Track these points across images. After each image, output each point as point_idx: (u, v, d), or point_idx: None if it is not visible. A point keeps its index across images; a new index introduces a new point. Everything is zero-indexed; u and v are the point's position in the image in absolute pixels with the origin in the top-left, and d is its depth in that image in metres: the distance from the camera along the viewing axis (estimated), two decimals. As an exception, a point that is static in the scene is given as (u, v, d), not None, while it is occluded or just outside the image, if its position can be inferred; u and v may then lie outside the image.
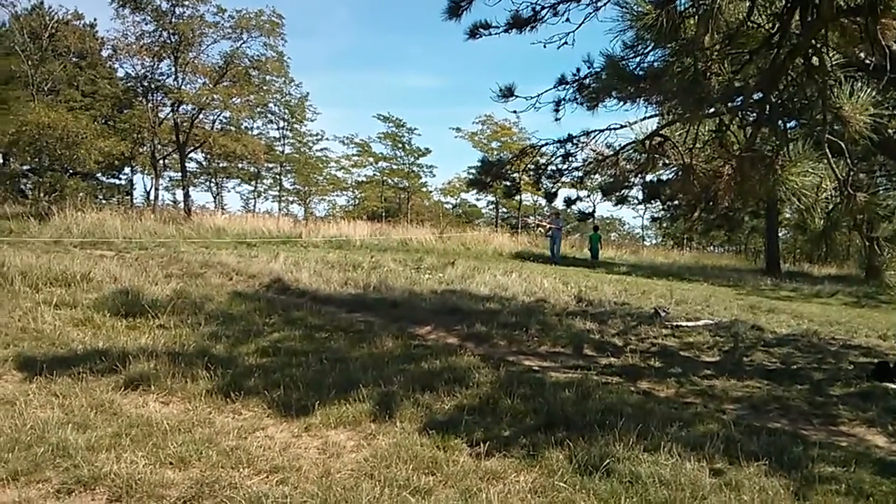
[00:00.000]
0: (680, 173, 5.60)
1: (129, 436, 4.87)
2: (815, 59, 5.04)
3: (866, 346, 10.39)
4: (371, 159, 45.88)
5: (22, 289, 9.94)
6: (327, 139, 49.60)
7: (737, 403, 6.86)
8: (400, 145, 45.21)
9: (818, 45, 4.97)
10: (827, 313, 14.51)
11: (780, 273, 26.49)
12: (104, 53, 34.44)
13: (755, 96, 5.67)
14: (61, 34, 30.07)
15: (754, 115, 5.76)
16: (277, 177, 44.66)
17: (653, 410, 6.03)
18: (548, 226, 29.65)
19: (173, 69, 29.58)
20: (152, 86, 30.31)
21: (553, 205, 10.88)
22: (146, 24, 28.90)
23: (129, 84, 32.65)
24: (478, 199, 49.34)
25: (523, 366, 7.87)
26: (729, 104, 5.78)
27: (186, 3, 28.82)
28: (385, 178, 46.42)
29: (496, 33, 8.47)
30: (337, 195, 48.84)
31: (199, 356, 6.93)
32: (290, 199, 46.85)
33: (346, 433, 5.27)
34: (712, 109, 5.66)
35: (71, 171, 29.02)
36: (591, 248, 29.04)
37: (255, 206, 44.87)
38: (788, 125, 6.61)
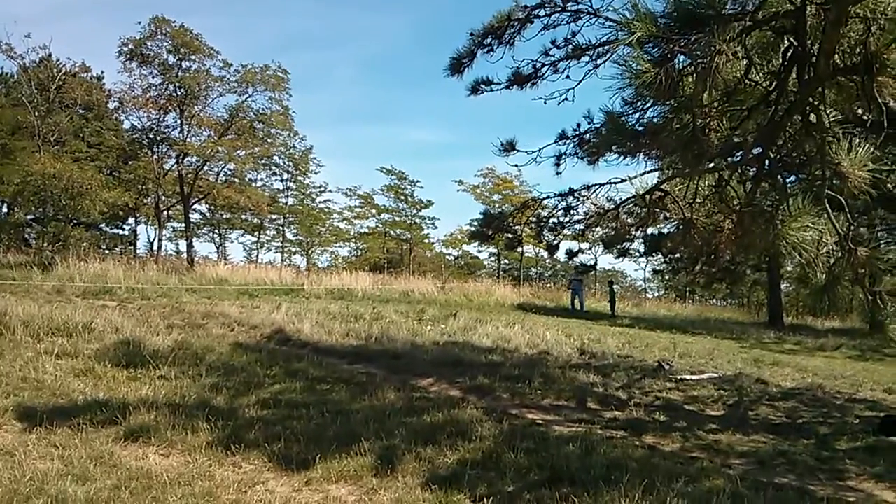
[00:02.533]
0: (680, 228, 5.65)
1: (129, 488, 4.82)
2: (812, 116, 5.12)
3: (872, 400, 10.29)
4: (373, 211, 46.12)
5: (24, 338, 9.94)
6: (330, 191, 49.62)
7: (743, 458, 6.78)
8: (402, 197, 45.49)
9: (815, 103, 5.05)
10: (831, 367, 14.41)
11: (783, 326, 26.40)
12: (111, 105, 34.89)
13: (754, 152, 5.74)
14: (68, 86, 30.45)
15: (754, 170, 5.83)
16: (280, 228, 44.79)
17: (658, 465, 5.97)
18: (569, 280, 30.93)
19: (179, 122, 30.08)
20: (158, 138, 30.75)
21: (576, 260, 10.82)
22: (153, 77, 29.55)
23: (134, 136, 33.07)
24: (480, 251, 49.46)
25: (526, 419, 7.81)
26: (728, 159, 5.85)
27: (193, 57, 29.44)
28: (387, 229, 46.58)
29: (497, 89, 8.64)
30: (339, 246, 48.92)
31: (200, 408, 6.90)
32: (293, 249, 46.91)
33: (347, 488, 5.22)
34: (712, 164, 5.73)
35: (75, 222, 29.19)
36: (609, 301, 29.54)
37: (257, 256, 44.96)
38: (788, 180, 6.68)
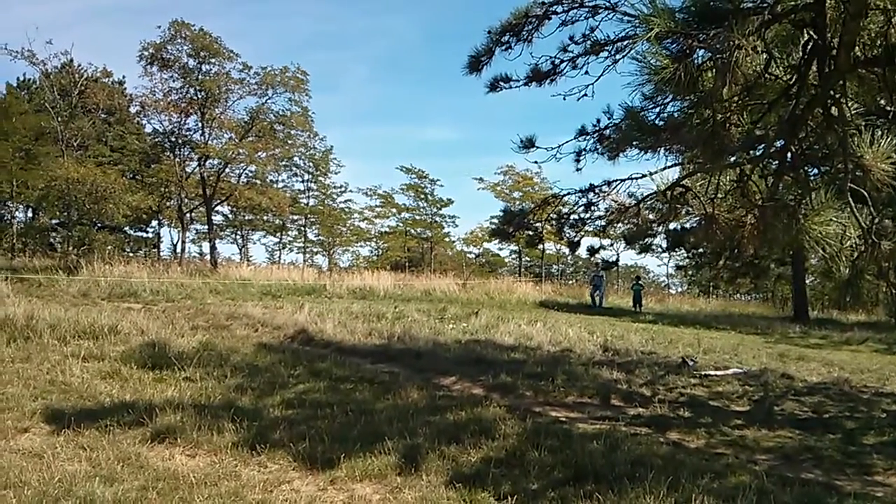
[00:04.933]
0: (702, 223, 5.61)
1: (156, 489, 4.88)
2: (834, 109, 5.07)
3: (899, 394, 10.18)
4: (394, 210, 46.20)
5: (50, 342, 10.06)
6: (351, 191, 49.88)
7: (768, 454, 6.73)
8: (422, 196, 45.55)
9: (837, 96, 5.00)
10: (857, 361, 14.25)
11: (808, 320, 26.10)
12: (132, 110, 35.13)
13: (776, 146, 5.69)
14: (90, 91, 30.69)
15: (775, 164, 5.78)
16: (302, 228, 44.98)
17: (683, 462, 5.93)
18: (591, 275, 31.02)
19: (200, 125, 30.28)
20: (179, 141, 30.97)
21: (598, 257, 10.75)
22: (173, 81, 29.76)
23: (156, 139, 33.36)
24: (500, 249, 49.41)
25: (550, 417, 7.80)
26: (750, 154, 5.80)
27: (213, 60, 29.63)
28: (408, 228, 46.62)
29: (516, 86, 8.62)
30: (360, 246, 49.09)
31: (225, 408, 6.95)
32: (315, 250, 47.08)
33: (371, 486, 5.24)
34: (733, 159, 5.69)
35: (99, 225, 29.51)
36: (633, 298, 29.38)
37: (280, 257, 45.22)
38: (810, 174, 6.61)
